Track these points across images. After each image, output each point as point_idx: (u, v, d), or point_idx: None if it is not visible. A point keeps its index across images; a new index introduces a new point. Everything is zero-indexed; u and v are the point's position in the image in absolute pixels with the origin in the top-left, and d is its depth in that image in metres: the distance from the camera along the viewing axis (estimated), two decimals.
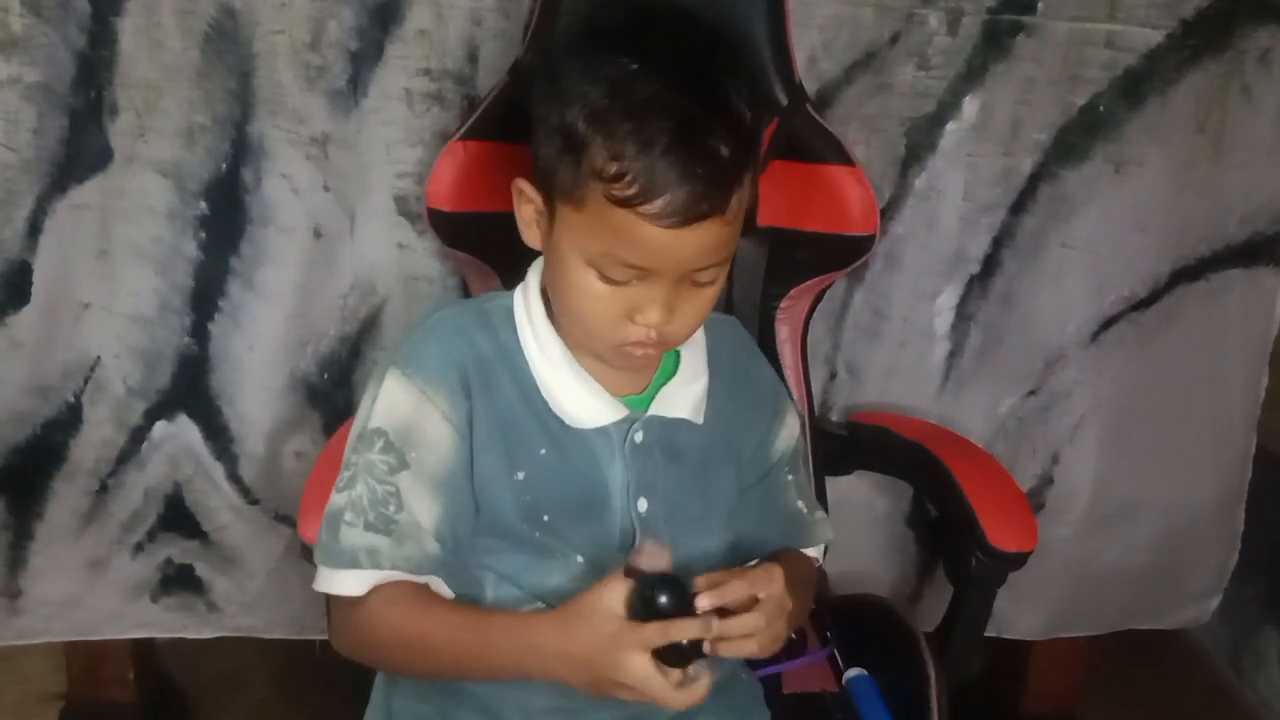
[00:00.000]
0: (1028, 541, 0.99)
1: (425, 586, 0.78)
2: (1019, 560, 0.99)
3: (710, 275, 0.75)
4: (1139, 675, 1.64)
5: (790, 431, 0.91)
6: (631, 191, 0.69)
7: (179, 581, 1.32)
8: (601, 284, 0.74)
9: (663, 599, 0.69)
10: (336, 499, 0.78)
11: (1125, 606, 1.44)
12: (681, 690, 0.70)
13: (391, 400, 0.78)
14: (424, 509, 0.77)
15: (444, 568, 0.78)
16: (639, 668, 0.68)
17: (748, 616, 0.71)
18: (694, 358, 0.85)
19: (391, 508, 0.76)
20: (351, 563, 0.76)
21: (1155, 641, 1.69)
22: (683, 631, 0.69)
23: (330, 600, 0.79)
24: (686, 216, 0.70)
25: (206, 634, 1.36)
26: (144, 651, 1.46)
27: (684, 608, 0.70)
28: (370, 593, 0.76)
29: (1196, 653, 1.67)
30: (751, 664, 0.95)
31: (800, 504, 0.92)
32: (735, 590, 0.71)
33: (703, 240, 0.71)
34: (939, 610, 1.08)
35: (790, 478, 0.91)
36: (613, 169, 0.69)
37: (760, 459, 0.89)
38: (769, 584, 0.73)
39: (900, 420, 1.24)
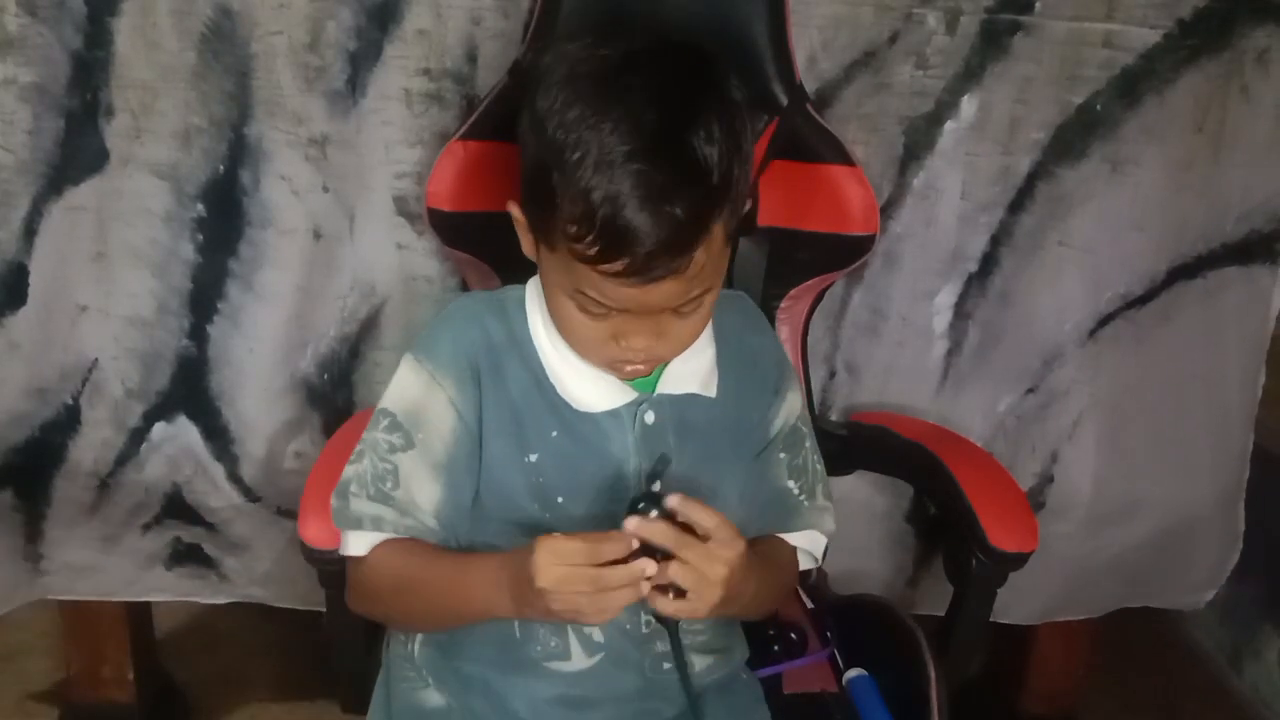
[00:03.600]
0: (1028, 542, 0.99)
1: (420, 541, 0.82)
2: (1019, 561, 0.99)
3: (691, 307, 0.77)
4: (1139, 675, 1.65)
5: (789, 409, 0.91)
6: (591, 253, 0.71)
7: (189, 556, 1.34)
8: (582, 314, 0.77)
9: (641, 503, 0.73)
10: (346, 470, 0.83)
11: (1121, 593, 1.44)
12: (599, 597, 0.71)
13: (403, 383, 0.82)
14: (424, 491, 0.81)
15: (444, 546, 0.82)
16: (552, 575, 0.70)
17: (676, 566, 0.72)
18: None
19: (388, 484, 0.81)
20: (358, 525, 0.81)
21: (1155, 642, 1.70)
22: (605, 553, 0.70)
23: (346, 563, 0.84)
24: (646, 278, 0.72)
25: (220, 599, 1.38)
26: (144, 651, 1.47)
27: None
28: (372, 550, 0.82)
29: (1196, 653, 1.68)
30: (751, 664, 0.95)
31: (789, 483, 0.91)
32: (700, 513, 0.73)
33: (668, 291, 0.73)
34: (935, 594, 1.08)
35: (783, 455, 0.91)
36: (573, 229, 0.71)
37: (760, 435, 0.90)
38: (729, 545, 0.74)
39: (900, 420, 1.24)
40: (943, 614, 1.05)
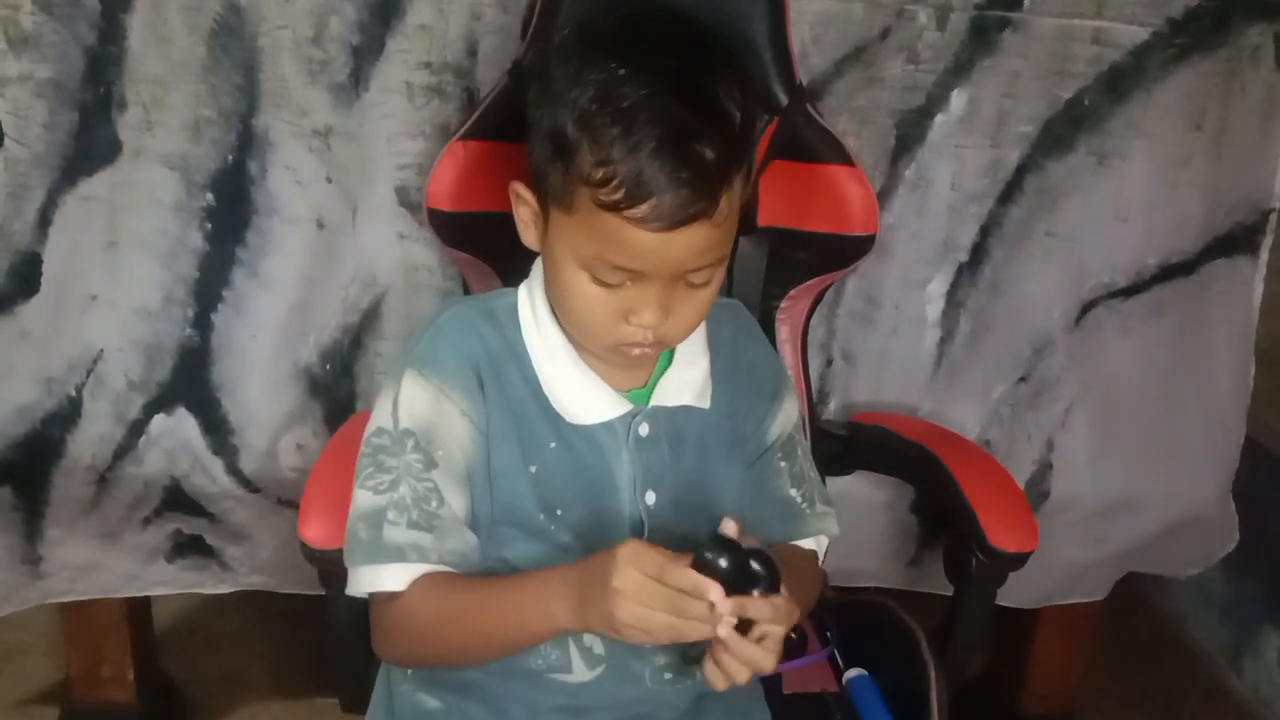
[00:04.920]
0: (1028, 542, 0.99)
1: (454, 573, 0.79)
2: (1019, 560, 1.00)
3: (704, 276, 0.76)
4: (1139, 675, 1.64)
5: (787, 417, 0.91)
6: (618, 196, 0.70)
7: (191, 548, 1.34)
8: (595, 286, 0.75)
9: (721, 561, 0.67)
10: (376, 500, 0.78)
11: (1117, 573, 1.45)
12: (673, 621, 0.67)
13: (412, 401, 0.79)
14: (457, 504, 0.78)
15: (480, 561, 0.80)
16: (631, 579, 0.67)
17: (758, 650, 0.69)
18: (690, 343, 0.85)
19: (434, 503, 0.77)
20: (398, 557, 0.77)
21: (1155, 642, 1.70)
22: (683, 580, 0.67)
23: (371, 603, 0.80)
24: (673, 220, 0.70)
25: (223, 589, 1.38)
26: (144, 651, 1.47)
27: (738, 573, 0.68)
28: (410, 585, 0.77)
29: (1196, 653, 1.67)
30: None
31: (793, 492, 0.91)
32: (768, 609, 0.69)
33: (691, 242, 0.72)
34: (936, 573, 1.08)
35: (783, 464, 0.91)
36: (599, 174, 0.70)
37: (756, 442, 0.89)
38: (786, 619, 0.71)
39: (900, 420, 1.25)
40: (944, 593, 1.05)
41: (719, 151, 0.70)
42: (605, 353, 0.80)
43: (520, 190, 0.78)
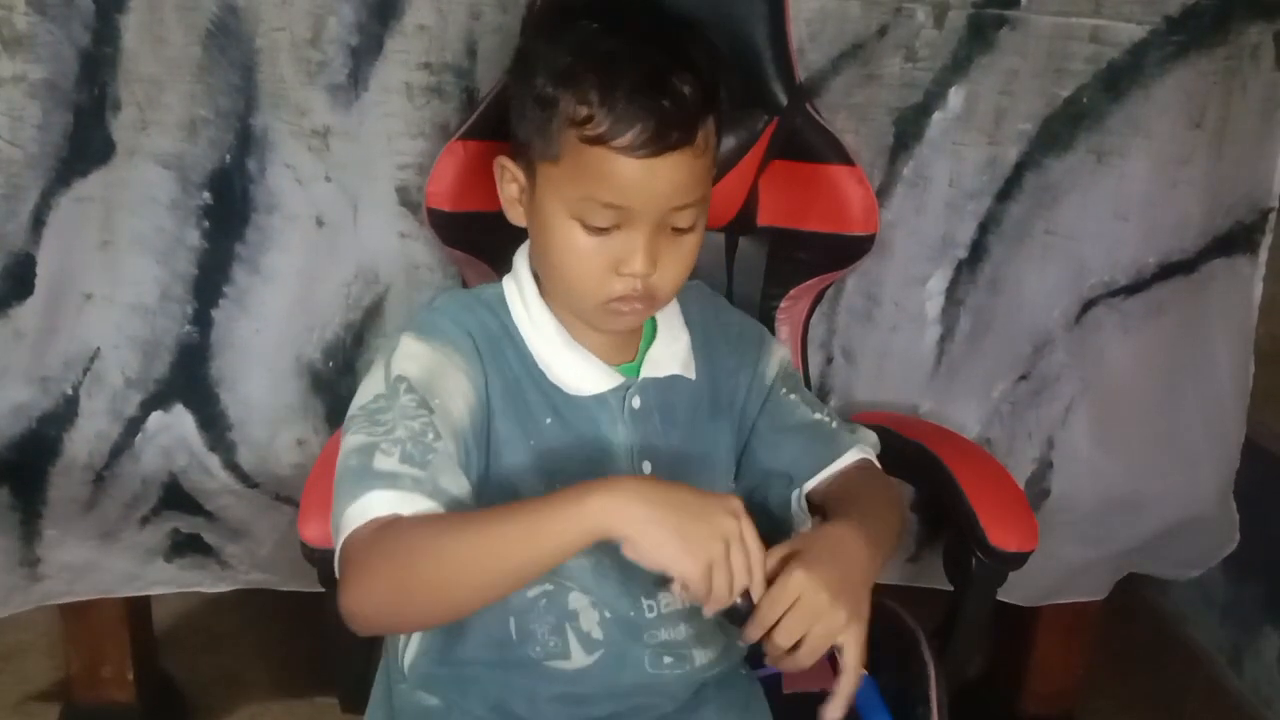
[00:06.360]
0: (1028, 541, 0.98)
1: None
2: (1019, 560, 0.99)
3: (688, 219, 0.78)
4: (1139, 675, 1.64)
5: (778, 356, 0.94)
6: (602, 129, 0.73)
7: (189, 546, 1.34)
8: (585, 237, 0.77)
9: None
10: (368, 439, 0.73)
11: (1118, 570, 1.45)
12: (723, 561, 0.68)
13: (411, 354, 0.78)
14: (453, 448, 0.76)
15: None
16: (736, 520, 0.69)
17: (787, 622, 0.71)
18: (670, 320, 0.88)
19: (430, 436, 0.73)
20: (390, 483, 0.71)
21: (1155, 642, 1.70)
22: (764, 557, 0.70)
23: (343, 551, 0.71)
24: (656, 147, 0.73)
25: (222, 587, 1.37)
26: (144, 651, 1.47)
27: None
28: (390, 520, 0.70)
29: (1196, 653, 1.67)
30: (751, 663, 0.95)
31: (816, 415, 0.92)
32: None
33: (675, 174, 0.75)
34: (936, 569, 1.08)
35: (793, 396, 0.93)
36: (583, 113, 0.74)
37: (757, 389, 0.92)
38: (789, 587, 0.71)
39: (900, 420, 1.24)
40: (944, 588, 1.05)
41: (694, 87, 0.75)
42: (596, 313, 0.81)
43: (506, 163, 0.81)
